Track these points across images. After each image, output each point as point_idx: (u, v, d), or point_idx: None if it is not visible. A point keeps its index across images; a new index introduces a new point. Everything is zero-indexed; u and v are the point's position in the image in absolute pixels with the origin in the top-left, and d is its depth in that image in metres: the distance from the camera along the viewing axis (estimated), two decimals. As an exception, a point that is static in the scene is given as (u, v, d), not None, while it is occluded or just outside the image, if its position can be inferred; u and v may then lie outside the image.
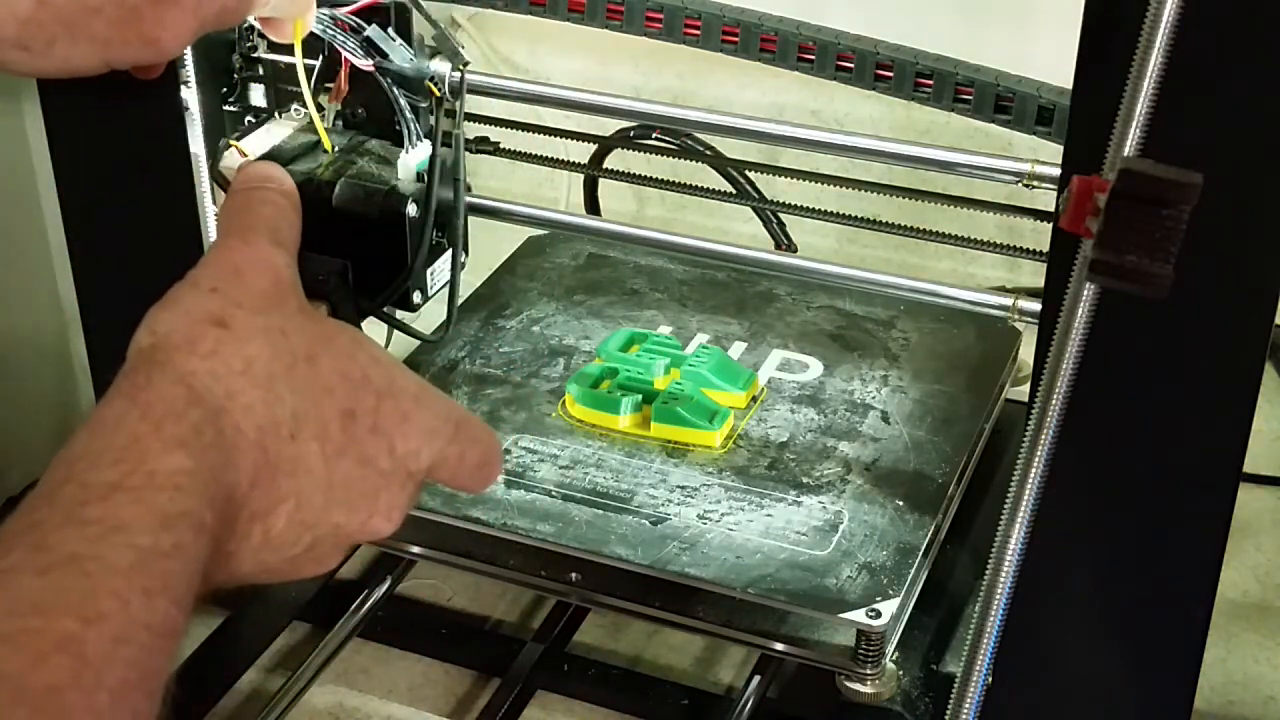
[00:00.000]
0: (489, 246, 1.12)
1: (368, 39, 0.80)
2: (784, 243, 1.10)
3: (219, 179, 0.87)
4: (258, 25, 0.67)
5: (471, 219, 0.90)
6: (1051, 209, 0.70)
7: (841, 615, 0.82)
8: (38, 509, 0.43)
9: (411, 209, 0.80)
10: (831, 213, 0.91)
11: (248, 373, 0.48)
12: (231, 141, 0.87)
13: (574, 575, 0.89)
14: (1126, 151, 0.61)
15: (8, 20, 0.48)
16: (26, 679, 0.38)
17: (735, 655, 0.97)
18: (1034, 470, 0.65)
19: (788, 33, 0.91)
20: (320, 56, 0.84)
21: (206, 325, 0.49)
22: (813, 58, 0.91)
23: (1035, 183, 0.81)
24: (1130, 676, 0.80)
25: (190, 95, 0.89)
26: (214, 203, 0.91)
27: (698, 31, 0.93)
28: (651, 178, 0.96)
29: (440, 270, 0.85)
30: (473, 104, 0.87)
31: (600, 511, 0.89)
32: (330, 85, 0.85)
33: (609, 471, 0.92)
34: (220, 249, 0.53)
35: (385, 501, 0.52)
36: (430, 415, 0.53)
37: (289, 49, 0.82)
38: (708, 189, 0.96)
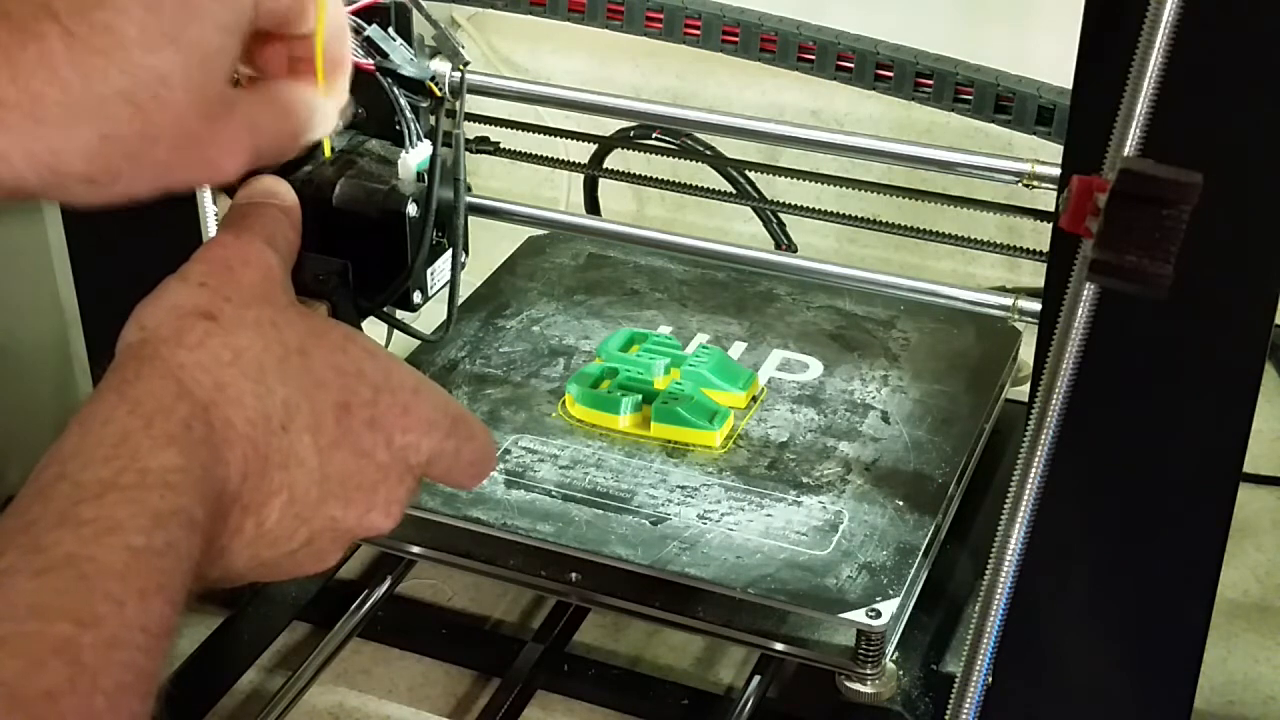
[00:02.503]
0: (489, 246, 1.12)
1: (368, 39, 0.80)
2: (784, 243, 1.10)
3: (219, 179, 0.87)
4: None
5: (471, 219, 0.89)
6: (1051, 209, 0.70)
7: (841, 615, 0.82)
8: (32, 508, 0.42)
9: (412, 209, 0.80)
10: (831, 213, 0.91)
11: (236, 364, 0.48)
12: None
13: (574, 575, 0.89)
14: (1126, 151, 0.61)
15: (74, 158, 0.47)
16: (23, 684, 0.38)
17: (735, 655, 0.97)
18: (1034, 470, 0.65)
19: (788, 33, 0.91)
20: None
21: (194, 318, 0.49)
22: (813, 58, 0.91)
23: (1035, 183, 0.81)
24: (1130, 676, 0.80)
25: (190, 95, 0.89)
26: (214, 203, 0.91)
27: (698, 31, 0.93)
28: (651, 178, 0.96)
29: (440, 270, 0.85)
30: (473, 104, 0.87)
31: (600, 511, 0.89)
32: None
33: (609, 471, 0.92)
34: (211, 245, 0.53)
35: (384, 495, 0.52)
36: (430, 409, 0.53)
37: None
38: (708, 189, 0.96)
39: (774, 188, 1.02)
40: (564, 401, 0.97)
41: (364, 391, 0.51)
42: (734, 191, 1.02)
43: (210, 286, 0.50)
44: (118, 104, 0.47)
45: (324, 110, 0.60)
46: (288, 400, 0.49)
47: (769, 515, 0.88)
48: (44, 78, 0.46)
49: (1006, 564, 0.66)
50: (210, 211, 0.91)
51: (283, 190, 0.58)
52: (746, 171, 1.02)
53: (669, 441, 0.94)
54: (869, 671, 0.84)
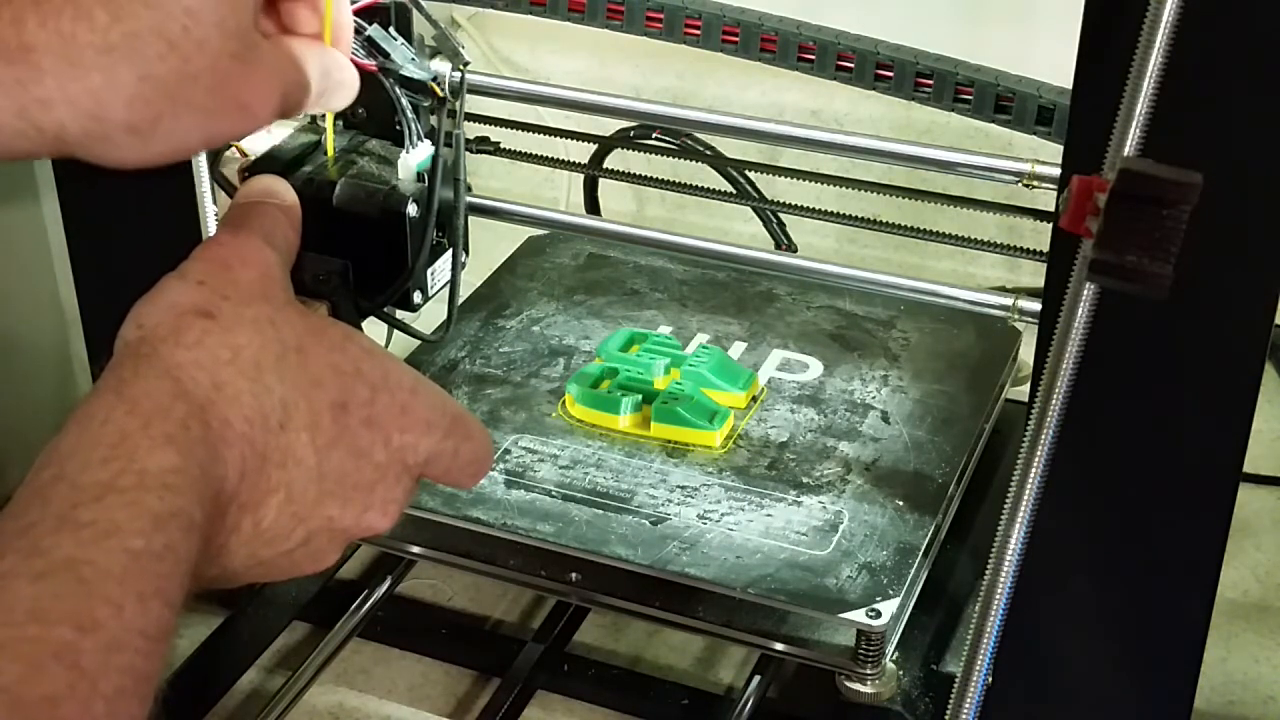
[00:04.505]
0: (489, 246, 1.12)
1: (369, 38, 0.80)
2: (784, 243, 1.10)
3: (219, 179, 0.87)
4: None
5: (471, 219, 0.89)
6: (1051, 209, 0.70)
7: (841, 615, 0.82)
8: (30, 509, 0.42)
9: (412, 209, 0.80)
10: (831, 213, 0.91)
11: (234, 362, 0.48)
12: (232, 141, 0.87)
13: (574, 575, 0.89)
14: (1126, 151, 0.61)
15: (115, 101, 0.47)
16: (23, 689, 0.38)
17: (735, 655, 0.97)
18: (1034, 470, 0.65)
19: (788, 33, 0.91)
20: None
21: (192, 316, 0.49)
22: (813, 58, 0.91)
23: (1035, 183, 0.81)
24: (1130, 676, 0.80)
25: (190, 95, 0.88)
26: (214, 203, 0.91)
27: (698, 31, 0.93)
28: (651, 178, 0.96)
29: (440, 270, 0.85)
30: (473, 104, 0.87)
31: (600, 511, 0.89)
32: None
33: (609, 471, 0.92)
34: (209, 244, 0.53)
35: (381, 495, 0.52)
36: (428, 408, 0.53)
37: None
38: (708, 189, 0.96)
39: (774, 188, 1.02)
40: (564, 401, 0.97)
41: (362, 391, 0.51)
42: (734, 191, 1.02)
43: (208, 285, 0.50)
44: (150, 39, 0.47)
45: (337, 68, 0.60)
46: (285, 399, 0.49)
47: (769, 515, 0.88)
48: (72, 16, 0.46)
49: (1006, 564, 0.66)
50: (210, 211, 0.91)
51: (282, 189, 0.58)
52: (746, 171, 1.02)
53: (669, 441, 0.94)
54: (869, 671, 0.84)
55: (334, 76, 0.59)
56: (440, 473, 0.55)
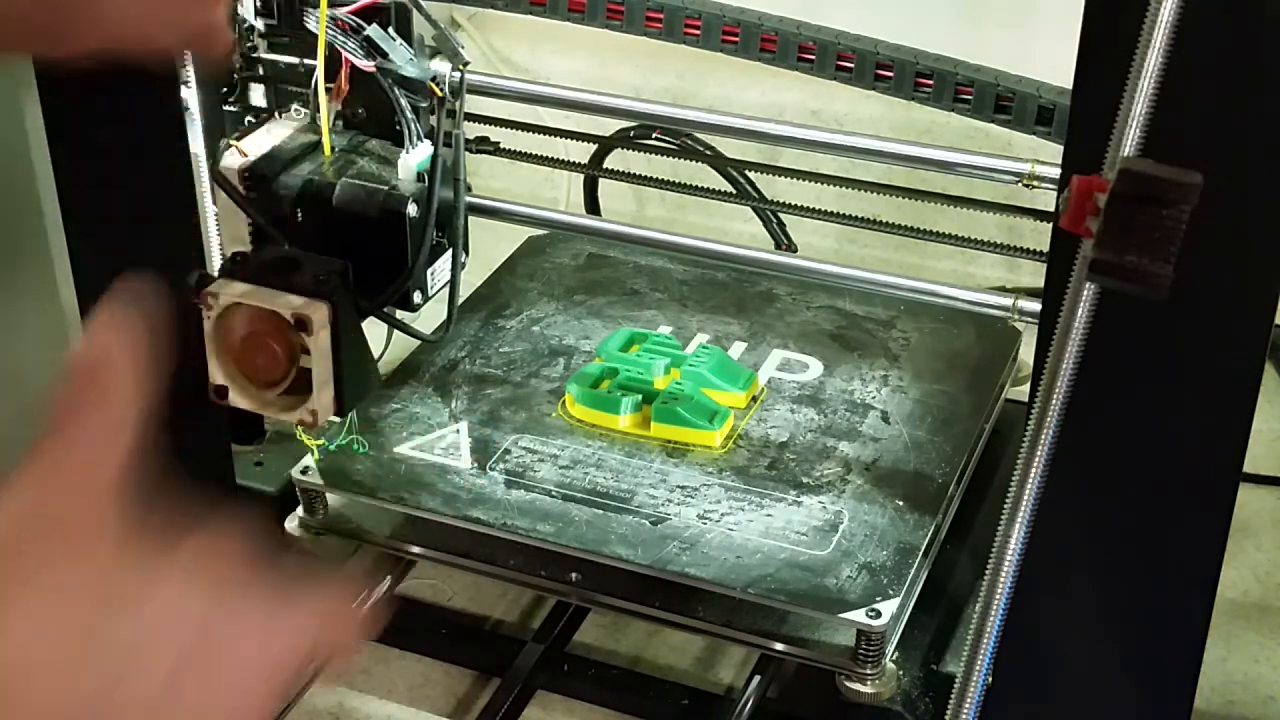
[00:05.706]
0: (489, 246, 1.12)
1: (368, 39, 0.80)
2: (784, 243, 1.10)
3: (219, 179, 0.87)
4: None
5: (471, 219, 0.90)
6: (1051, 209, 0.70)
7: (841, 615, 0.82)
8: None
9: (412, 209, 0.80)
10: (831, 213, 0.91)
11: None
12: (231, 141, 0.87)
13: (574, 575, 0.89)
14: (1126, 151, 0.61)
15: None
16: None
17: (735, 655, 0.97)
18: (1034, 470, 0.65)
19: (788, 33, 0.91)
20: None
21: None
22: (813, 58, 0.91)
23: (1035, 183, 0.81)
24: (1130, 676, 0.80)
25: (190, 95, 0.89)
26: (214, 203, 0.91)
27: (698, 31, 0.93)
28: (651, 178, 0.97)
29: (440, 270, 0.85)
30: (473, 104, 0.87)
31: (600, 511, 0.89)
32: (331, 86, 0.85)
33: (609, 471, 0.92)
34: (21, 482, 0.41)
35: None
36: None
37: (290, 50, 0.82)
38: (708, 189, 0.96)
39: (774, 188, 1.02)
40: (564, 401, 0.97)
41: None
42: (734, 191, 1.02)
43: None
44: None
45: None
46: None
47: (769, 515, 0.88)
48: None
49: (1006, 564, 0.66)
50: (210, 211, 0.91)
51: (116, 358, 0.41)
52: (746, 171, 1.02)
53: (669, 441, 0.94)
54: (869, 671, 0.84)
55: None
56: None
